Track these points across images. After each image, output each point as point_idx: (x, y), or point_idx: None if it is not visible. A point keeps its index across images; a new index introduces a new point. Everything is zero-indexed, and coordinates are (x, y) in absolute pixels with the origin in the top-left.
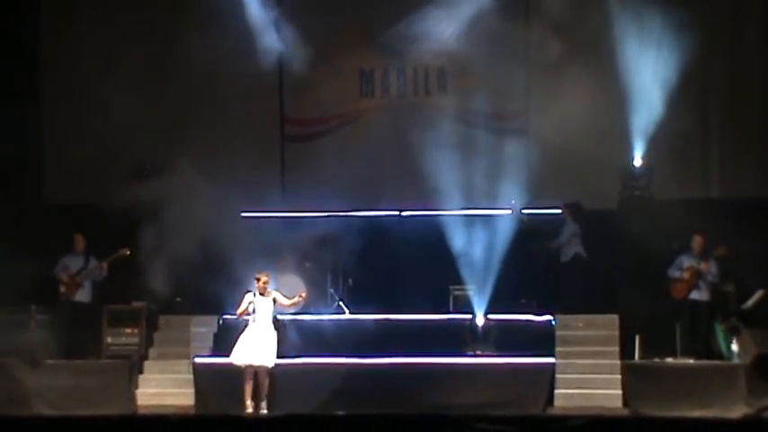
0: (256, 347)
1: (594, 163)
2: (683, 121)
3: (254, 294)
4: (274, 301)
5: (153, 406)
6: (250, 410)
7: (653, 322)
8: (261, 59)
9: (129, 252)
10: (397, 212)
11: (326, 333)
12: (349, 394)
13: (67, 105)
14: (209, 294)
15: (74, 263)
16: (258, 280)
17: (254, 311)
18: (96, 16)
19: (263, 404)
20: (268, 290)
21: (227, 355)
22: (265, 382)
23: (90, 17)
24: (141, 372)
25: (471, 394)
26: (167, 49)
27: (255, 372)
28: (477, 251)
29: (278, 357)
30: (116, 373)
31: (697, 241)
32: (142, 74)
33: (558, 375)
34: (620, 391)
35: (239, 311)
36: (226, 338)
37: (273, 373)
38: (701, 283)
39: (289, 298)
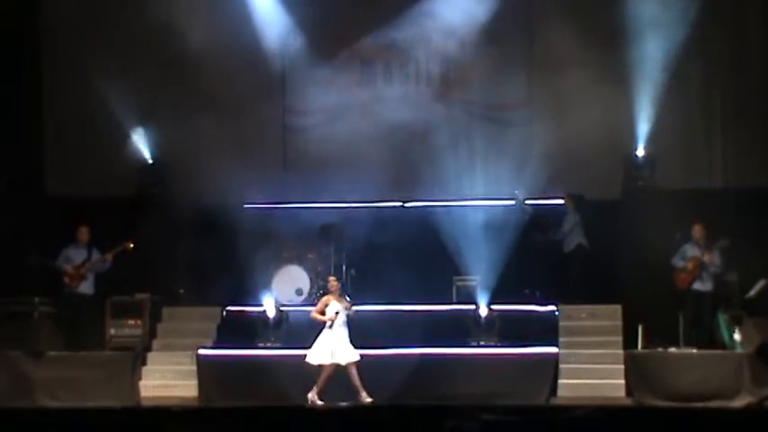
0: (341, 346)
1: (598, 153)
2: (686, 111)
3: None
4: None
5: (156, 397)
6: (317, 402)
7: (656, 312)
8: (263, 50)
9: (132, 245)
10: (399, 203)
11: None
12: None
13: (68, 97)
14: (213, 286)
15: (77, 255)
16: (329, 282)
17: (336, 313)
18: (97, 8)
19: (365, 394)
20: (339, 293)
21: (231, 347)
22: (357, 374)
23: (90, 9)
24: (145, 363)
25: (475, 384)
26: (168, 41)
27: (345, 367)
28: (481, 242)
29: (282, 348)
30: (119, 364)
31: (697, 230)
32: (143, 65)
33: (561, 365)
34: (623, 381)
35: (322, 317)
36: (229, 330)
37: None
38: (704, 274)
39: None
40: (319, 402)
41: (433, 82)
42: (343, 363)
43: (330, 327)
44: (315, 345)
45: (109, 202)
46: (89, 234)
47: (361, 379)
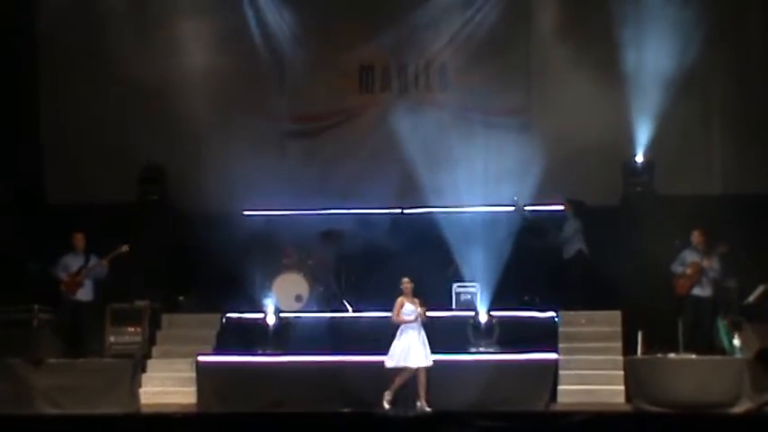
0: (419, 349)
1: (597, 159)
2: (685, 116)
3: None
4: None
5: (156, 404)
6: (388, 407)
7: (655, 318)
8: (263, 55)
9: (128, 249)
10: (399, 209)
11: (330, 331)
12: (353, 392)
13: (67, 103)
14: (213, 293)
15: (74, 262)
16: (402, 284)
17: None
18: (94, 14)
19: (424, 402)
20: (411, 293)
21: (230, 354)
22: (424, 381)
23: (89, 13)
24: (144, 370)
25: (475, 391)
26: (167, 47)
27: (415, 372)
28: (480, 248)
29: (282, 355)
30: (119, 371)
31: (696, 236)
32: (142, 71)
33: (560, 371)
34: (622, 387)
35: (399, 318)
36: (228, 337)
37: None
38: (704, 279)
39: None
40: (427, 409)
41: (432, 88)
42: (413, 366)
43: (413, 326)
44: (403, 348)
45: (108, 209)
46: (84, 240)
47: (427, 387)
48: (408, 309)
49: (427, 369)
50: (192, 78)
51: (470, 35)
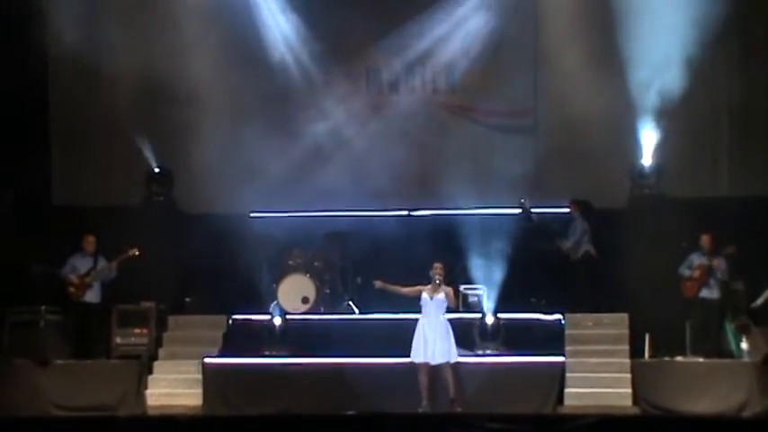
0: (429, 343)
1: (604, 161)
2: (692, 119)
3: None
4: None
5: (162, 406)
6: (425, 408)
7: (662, 321)
8: (269, 57)
9: (138, 252)
10: (406, 211)
11: (336, 333)
12: (358, 393)
13: (74, 106)
14: (219, 294)
15: (82, 264)
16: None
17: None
18: (103, 15)
19: (455, 403)
20: (438, 282)
21: (237, 356)
22: (450, 379)
23: (97, 17)
24: (151, 372)
25: (481, 393)
26: (173, 50)
27: (434, 369)
28: (487, 250)
29: (288, 357)
30: (125, 373)
31: (705, 240)
32: (149, 74)
33: (567, 374)
34: (629, 390)
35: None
36: (235, 338)
37: (456, 368)
38: (712, 281)
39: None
40: (458, 410)
41: (439, 90)
42: (432, 363)
43: (422, 318)
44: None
45: (115, 211)
46: (95, 243)
47: (456, 384)
48: (423, 299)
49: (451, 366)
50: (199, 81)
51: (477, 36)
